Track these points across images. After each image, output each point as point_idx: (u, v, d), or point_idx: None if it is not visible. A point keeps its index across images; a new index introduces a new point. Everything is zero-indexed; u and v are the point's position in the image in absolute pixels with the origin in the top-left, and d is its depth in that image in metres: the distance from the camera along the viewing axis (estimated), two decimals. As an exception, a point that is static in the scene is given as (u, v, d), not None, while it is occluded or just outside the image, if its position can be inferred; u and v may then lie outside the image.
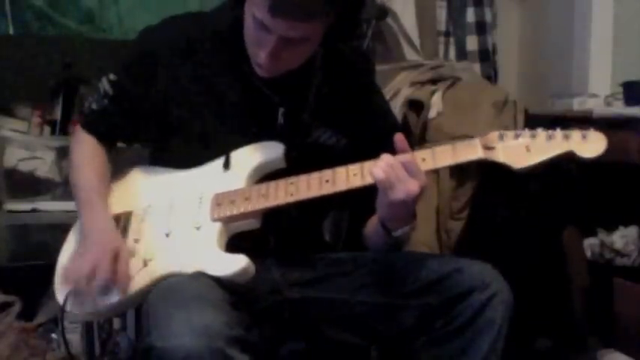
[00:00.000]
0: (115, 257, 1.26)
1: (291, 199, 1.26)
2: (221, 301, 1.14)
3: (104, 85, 1.42)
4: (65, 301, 1.28)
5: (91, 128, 1.45)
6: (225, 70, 1.36)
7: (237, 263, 1.22)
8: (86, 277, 1.24)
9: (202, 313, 1.09)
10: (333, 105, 1.40)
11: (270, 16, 1.18)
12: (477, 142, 1.21)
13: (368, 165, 1.24)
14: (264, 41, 1.23)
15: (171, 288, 1.18)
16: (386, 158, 1.20)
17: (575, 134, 1.18)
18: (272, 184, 1.28)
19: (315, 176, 1.26)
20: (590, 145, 1.16)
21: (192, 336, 1.06)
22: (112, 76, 1.41)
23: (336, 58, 1.41)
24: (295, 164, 1.33)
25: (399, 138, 1.22)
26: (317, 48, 1.32)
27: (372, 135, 1.42)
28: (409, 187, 1.19)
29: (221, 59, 1.36)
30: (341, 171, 1.25)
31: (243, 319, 1.17)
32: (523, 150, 1.18)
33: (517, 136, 1.20)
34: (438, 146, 1.23)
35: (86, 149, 1.44)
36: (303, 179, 1.26)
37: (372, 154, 1.26)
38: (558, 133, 1.19)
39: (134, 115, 1.41)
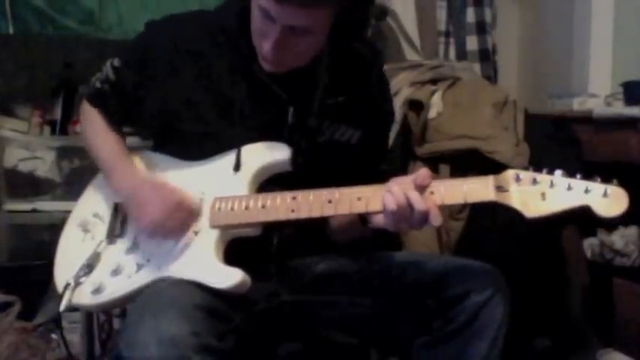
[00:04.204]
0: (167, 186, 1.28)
1: (291, 216, 1.22)
2: (195, 309, 1.13)
3: (108, 69, 1.42)
4: (63, 295, 1.29)
5: (94, 103, 1.46)
6: (232, 69, 1.34)
7: (233, 278, 1.20)
8: (159, 218, 1.26)
9: (170, 322, 1.08)
10: (344, 100, 1.37)
11: (275, 2, 1.16)
12: (490, 182, 1.14)
13: (373, 190, 1.19)
14: (268, 31, 1.22)
15: (149, 295, 1.17)
16: (413, 195, 1.14)
17: (597, 189, 1.09)
18: (274, 196, 1.24)
19: (318, 194, 1.22)
20: (610, 204, 1.09)
21: (158, 345, 1.06)
22: (116, 62, 1.42)
23: (344, 52, 1.38)
24: (308, 164, 1.32)
25: (426, 174, 1.16)
26: (323, 43, 1.29)
27: (378, 128, 1.45)
28: (415, 226, 1.17)
29: (227, 58, 1.34)
30: (345, 192, 1.21)
31: (218, 327, 1.15)
32: (538, 197, 1.11)
33: (534, 181, 1.11)
34: (450, 180, 1.19)
35: (96, 121, 1.46)
36: (305, 195, 1.23)
37: (378, 146, 1.42)
38: (580, 183, 1.10)
39: (131, 106, 1.41)
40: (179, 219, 1.26)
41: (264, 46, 1.24)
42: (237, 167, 1.31)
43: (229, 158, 1.32)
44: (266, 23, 1.22)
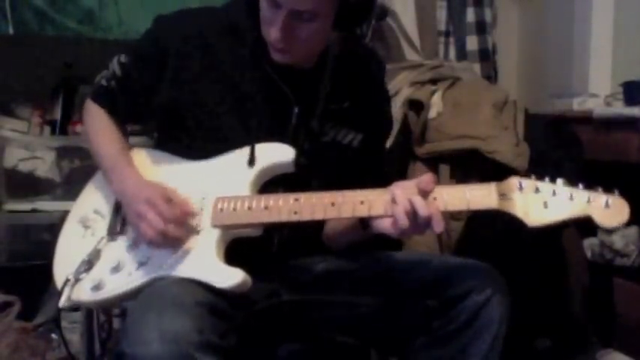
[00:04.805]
0: (165, 198, 1.24)
1: (293, 218, 1.22)
2: (197, 307, 1.12)
3: (114, 65, 1.42)
4: (62, 291, 1.29)
5: (98, 101, 1.46)
6: (242, 64, 1.34)
7: (234, 277, 1.20)
8: (157, 233, 1.23)
9: (173, 319, 1.08)
10: (348, 105, 1.39)
11: None
12: (493, 190, 1.14)
13: (376, 195, 1.19)
14: (275, 18, 1.23)
15: (151, 293, 1.17)
16: (417, 201, 1.14)
17: (599, 199, 1.10)
18: (277, 197, 1.24)
19: (321, 197, 1.22)
20: (612, 215, 1.10)
21: (161, 342, 1.05)
22: (122, 58, 1.41)
23: (349, 58, 1.40)
24: (310, 165, 1.33)
25: (430, 179, 1.17)
26: (329, 34, 1.29)
27: (379, 132, 1.49)
28: (417, 231, 1.17)
29: (237, 53, 1.34)
30: (348, 196, 1.21)
31: (220, 326, 1.15)
32: (540, 206, 1.11)
33: (537, 190, 1.12)
34: (453, 187, 1.18)
35: (98, 119, 1.46)
36: (308, 197, 1.22)
37: (378, 149, 1.46)
38: (582, 194, 1.11)
39: (138, 101, 1.41)
40: (177, 233, 1.23)
41: (272, 34, 1.24)
42: (251, 162, 1.30)
43: (236, 155, 1.32)
44: (272, 10, 1.23)
